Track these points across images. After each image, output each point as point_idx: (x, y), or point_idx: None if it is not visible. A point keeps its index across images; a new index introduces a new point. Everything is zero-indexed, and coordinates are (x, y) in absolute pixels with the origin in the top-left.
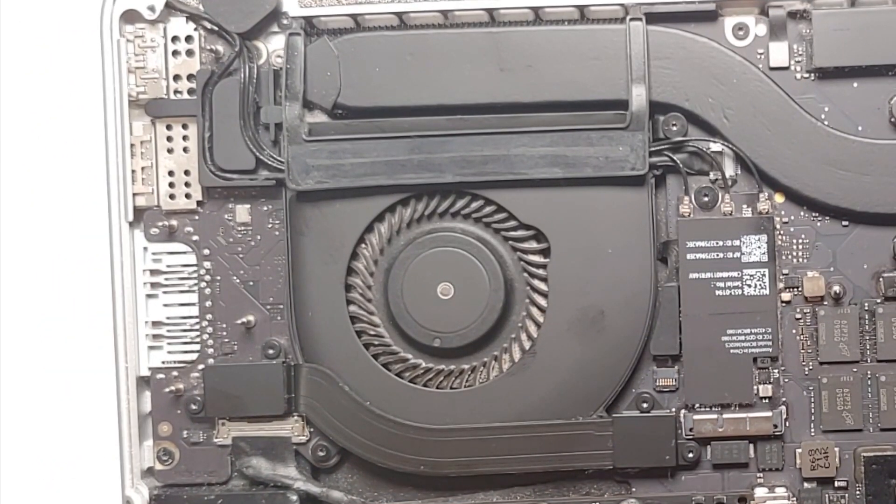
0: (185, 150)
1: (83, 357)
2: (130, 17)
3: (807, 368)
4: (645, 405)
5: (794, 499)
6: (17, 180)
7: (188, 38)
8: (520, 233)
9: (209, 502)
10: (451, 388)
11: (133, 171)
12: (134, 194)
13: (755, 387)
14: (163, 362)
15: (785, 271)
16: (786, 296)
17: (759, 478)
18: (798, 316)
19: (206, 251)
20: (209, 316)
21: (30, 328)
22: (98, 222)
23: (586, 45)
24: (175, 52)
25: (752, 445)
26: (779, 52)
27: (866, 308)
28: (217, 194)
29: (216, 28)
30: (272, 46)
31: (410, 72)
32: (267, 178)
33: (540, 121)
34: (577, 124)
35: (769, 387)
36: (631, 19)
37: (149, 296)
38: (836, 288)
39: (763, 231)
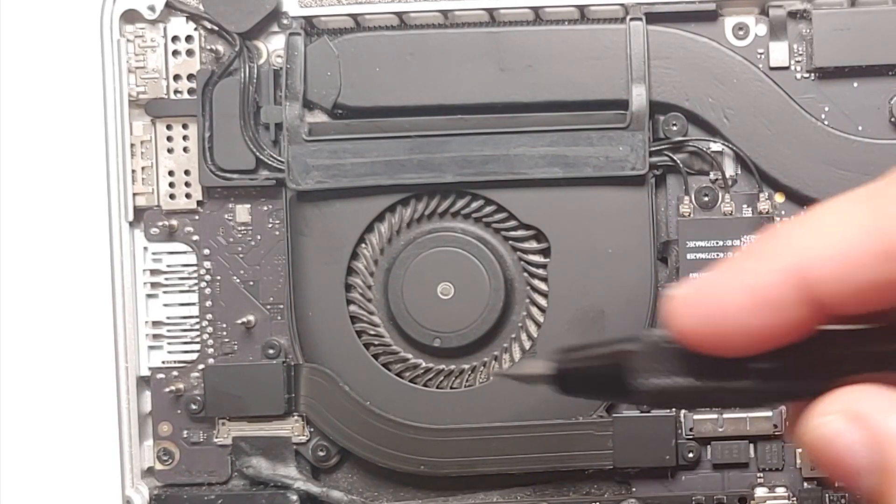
0: (185, 150)
1: (83, 357)
2: (130, 16)
3: None
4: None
5: (794, 499)
6: (17, 180)
7: (188, 38)
8: (520, 233)
9: (209, 502)
10: (451, 388)
11: (133, 171)
12: (134, 194)
13: None
14: (163, 362)
15: None
16: None
17: (760, 478)
18: None
19: (207, 251)
20: (209, 316)
21: (30, 328)
22: (98, 222)
23: (586, 45)
24: (175, 52)
25: (752, 445)
26: (779, 52)
27: None
28: (217, 194)
29: (216, 28)
30: (272, 46)
31: (410, 72)
32: (267, 178)
33: (540, 121)
34: (577, 124)
35: None
36: (631, 19)
37: (149, 296)
38: None
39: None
